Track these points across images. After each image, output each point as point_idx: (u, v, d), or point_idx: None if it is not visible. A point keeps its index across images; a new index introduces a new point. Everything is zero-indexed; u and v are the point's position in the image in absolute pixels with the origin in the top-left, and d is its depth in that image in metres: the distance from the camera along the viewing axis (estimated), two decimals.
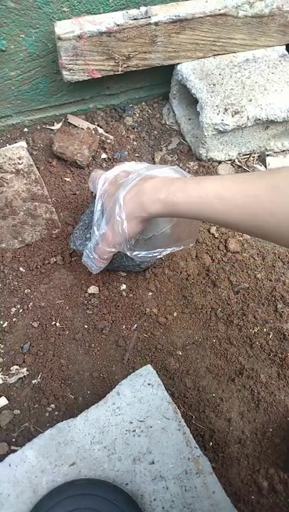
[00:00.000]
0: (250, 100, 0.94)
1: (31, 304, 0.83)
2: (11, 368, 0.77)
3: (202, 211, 0.59)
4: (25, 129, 1.08)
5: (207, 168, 1.02)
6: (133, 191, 0.65)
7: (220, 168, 1.03)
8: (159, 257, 0.73)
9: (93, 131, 1.05)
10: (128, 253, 0.70)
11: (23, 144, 1.04)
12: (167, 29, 0.91)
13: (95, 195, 0.82)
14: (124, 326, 0.82)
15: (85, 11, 0.90)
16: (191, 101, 1.06)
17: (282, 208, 0.52)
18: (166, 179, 0.65)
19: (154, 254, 0.72)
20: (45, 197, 0.93)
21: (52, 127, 1.09)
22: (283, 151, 1.07)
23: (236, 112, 0.92)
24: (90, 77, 0.95)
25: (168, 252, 0.73)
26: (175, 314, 0.84)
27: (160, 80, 1.09)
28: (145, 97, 1.13)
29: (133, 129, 1.09)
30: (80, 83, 0.98)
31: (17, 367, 0.77)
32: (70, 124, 1.08)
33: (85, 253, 0.75)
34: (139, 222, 0.66)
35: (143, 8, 0.89)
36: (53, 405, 0.75)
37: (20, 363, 0.78)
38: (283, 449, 0.73)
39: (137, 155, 1.05)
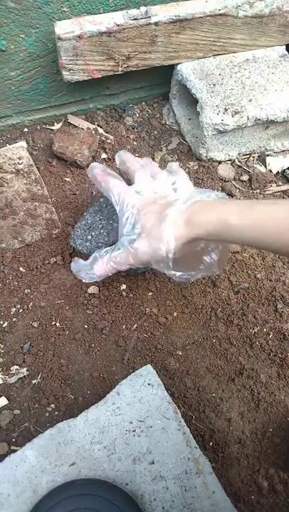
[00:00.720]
0: (250, 100, 0.94)
1: (31, 304, 0.83)
2: (11, 368, 0.77)
3: (256, 233, 0.58)
4: (25, 129, 1.08)
5: (207, 168, 1.02)
6: (183, 213, 0.64)
7: (220, 168, 1.03)
8: (191, 279, 0.71)
9: (93, 131, 1.05)
10: (166, 272, 0.68)
11: (23, 144, 1.04)
12: (167, 29, 0.91)
13: (96, 193, 0.81)
14: (124, 326, 0.82)
15: (85, 11, 0.89)
16: (191, 101, 1.06)
17: None
18: (217, 201, 0.64)
19: (188, 276, 0.71)
20: (45, 197, 0.93)
21: (52, 127, 1.09)
22: (283, 151, 1.07)
23: (236, 112, 0.92)
24: (90, 77, 0.95)
25: (199, 276, 0.73)
26: (175, 314, 0.84)
27: (160, 80, 1.09)
28: (145, 97, 1.13)
29: (133, 129, 1.09)
30: (80, 83, 0.98)
31: (17, 367, 0.77)
32: (70, 124, 1.08)
33: (92, 260, 0.72)
34: (182, 244, 0.65)
35: (143, 8, 0.89)
36: (53, 405, 0.75)
37: (20, 363, 0.78)
38: (283, 449, 0.73)
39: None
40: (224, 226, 0.60)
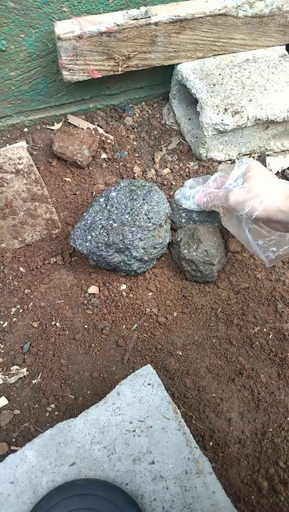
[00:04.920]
0: (250, 100, 0.94)
1: (31, 303, 0.83)
2: (11, 368, 0.77)
3: None
4: (25, 129, 1.08)
5: (207, 168, 1.02)
6: (285, 188, 0.70)
7: (220, 168, 1.03)
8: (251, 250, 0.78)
9: (93, 131, 1.05)
10: (242, 223, 0.75)
11: (23, 144, 1.04)
12: (167, 29, 0.91)
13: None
14: (124, 326, 0.82)
15: (85, 11, 0.90)
16: (191, 101, 1.06)
17: None
18: None
19: (253, 243, 0.77)
20: (45, 197, 0.93)
21: (52, 127, 1.09)
22: (283, 151, 1.07)
23: (236, 112, 0.92)
24: (90, 77, 0.95)
25: (253, 250, 0.78)
26: (175, 314, 0.84)
27: (160, 80, 1.09)
28: (145, 97, 1.13)
29: (133, 129, 1.09)
30: (80, 83, 0.98)
31: (17, 367, 0.77)
32: (70, 124, 1.08)
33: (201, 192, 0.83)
34: (267, 214, 0.70)
35: (143, 8, 0.89)
36: (53, 405, 0.75)
37: (20, 363, 0.78)
38: (283, 448, 0.73)
39: (137, 155, 1.05)
40: None
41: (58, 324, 0.82)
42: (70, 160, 0.99)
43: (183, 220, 0.90)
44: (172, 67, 1.03)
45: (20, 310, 0.83)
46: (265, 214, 0.70)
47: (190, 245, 0.83)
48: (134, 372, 0.71)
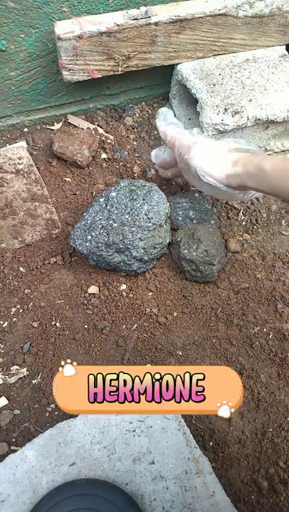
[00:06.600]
0: (250, 100, 0.94)
1: (31, 303, 0.83)
2: (11, 368, 0.77)
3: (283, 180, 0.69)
4: (25, 129, 1.08)
5: None
6: (232, 154, 0.75)
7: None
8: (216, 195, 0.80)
9: (93, 131, 1.05)
10: (199, 180, 0.76)
11: (23, 144, 1.04)
12: (167, 29, 0.91)
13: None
14: (124, 326, 0.82)
15: (85, 11, 0.90)
16: (191, 101, 1.06)
17: None
18: (248, 154, 0.75)
19: (214, 188, 0.77)
20: (45, 197, 0.93)
21: (52, 127, 1.09)
22: (283, 151, 1.07)
23: (236, 112, 0.92)
24: (90, 77, 0.95)
25: (223, 190, 0.77)
26: (175, 314, 0.84)
27: (160, 80, 1.09)
28: (145, 97, 1.13)
29: (133, 129, 1.09)
30: (80, 83, 0.98)
31: (17, 367, 0.77)
32: (70, 124, 1.08)
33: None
34: (226, 176, 0.74)
35: (143, 8, 0.89)
36: (52, 405, 0.75)
37: (20, 363, 0.78)
38: (283, 448, 0.73)
39: (137, 155, 1.05)
40: (259, 170, 0.70)
41: (58, 324, 0.82)
42: (70, 160, 0.99)
43: (180, 219, 0.90)
44: (172, 67, 1.03)
45: (20, 310, 0.83)
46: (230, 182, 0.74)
47: (190, 245, 0.84)
48: None
